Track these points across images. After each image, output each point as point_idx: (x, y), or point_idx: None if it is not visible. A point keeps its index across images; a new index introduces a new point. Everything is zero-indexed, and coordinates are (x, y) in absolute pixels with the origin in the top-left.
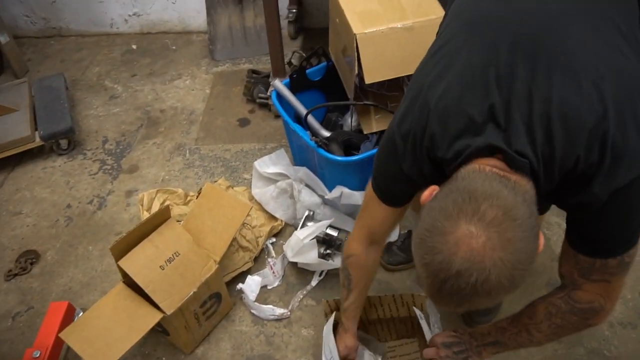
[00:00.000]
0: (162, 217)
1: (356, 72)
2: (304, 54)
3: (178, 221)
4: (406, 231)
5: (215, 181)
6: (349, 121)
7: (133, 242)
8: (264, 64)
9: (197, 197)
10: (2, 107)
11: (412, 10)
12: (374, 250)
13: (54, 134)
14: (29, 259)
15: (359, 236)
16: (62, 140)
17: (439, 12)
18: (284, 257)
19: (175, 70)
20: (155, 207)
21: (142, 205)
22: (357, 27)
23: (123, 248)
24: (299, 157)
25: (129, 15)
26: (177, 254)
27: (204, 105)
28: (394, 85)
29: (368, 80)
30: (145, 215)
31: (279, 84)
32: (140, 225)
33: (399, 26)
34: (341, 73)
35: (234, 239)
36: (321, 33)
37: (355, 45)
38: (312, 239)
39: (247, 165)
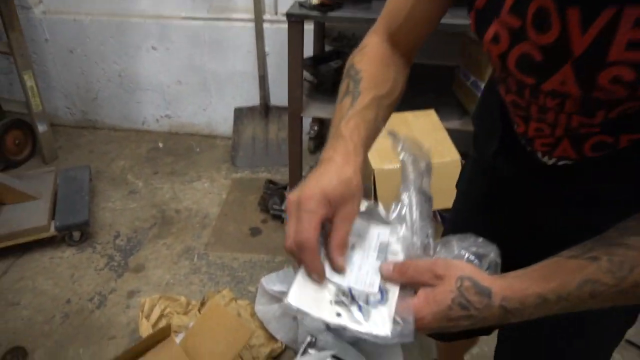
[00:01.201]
0: (161, 336)
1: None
2: None
3: (175, 332)
4: None
5: (220, 291)
6: None
7: None
8: (282, 175)
9: (200, 307)
10: (25, 194)
11: (428, 151)
12: (398, 56)
13: (69, 226)
14: (15, 356)
15: (376, 28)
16: (75, 232)
17: (454, 155)
18: None
19: (196, 172)
20: (155, 315)
21: (142, 311)
22: (375, 163)
23: None
24: None
25: (161, 116)
26: None
27: (218, 210)
28: None
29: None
30: (144, 322)
31: None
32: (137, 345)
33: None
34: None
35: None
36: None
37: (372, 179)
38: None
39: (253, 277)
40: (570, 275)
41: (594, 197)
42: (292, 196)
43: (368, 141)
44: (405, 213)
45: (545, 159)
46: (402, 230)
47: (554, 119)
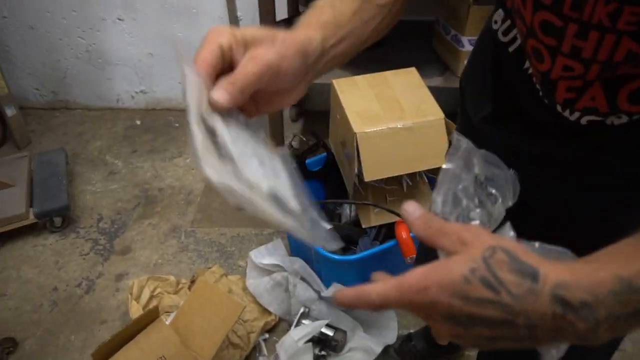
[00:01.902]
0: (150, 317)
1: (355, 171)
2: (304, 138)
3: (167, 312)
4: (406, 333)
5: (209, 268)
6: (347, 212)
7: (118, 345)
8: None
9: (190, 286)
10: None
11: (411, 111)
12: None
13: (48, 212)
14: (5, 347)
15: None
16: (56, 218)
17: (437, 114)
18: (277, 358)
19: (177, 148)
20: (145, 296)
21: (131, 294)
22: (357, 126)
23: (107, 351)
24: (296, 248)
25: (136, 92)
26: (163, 359)
27: (202, 185)
28: (393, 179)
29: (367, 178)
30: (134, 304)
31: None
32: (126, 328)
33: (398, 126)
34: (340, 165)
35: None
36: (321, 116)
37: (355, 143)
38: (308, 340)
39: (242, 252)
40: None
41: (607, 175)
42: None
43: (331, 26)
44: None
45: (566, 113)
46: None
47: (595, 44)
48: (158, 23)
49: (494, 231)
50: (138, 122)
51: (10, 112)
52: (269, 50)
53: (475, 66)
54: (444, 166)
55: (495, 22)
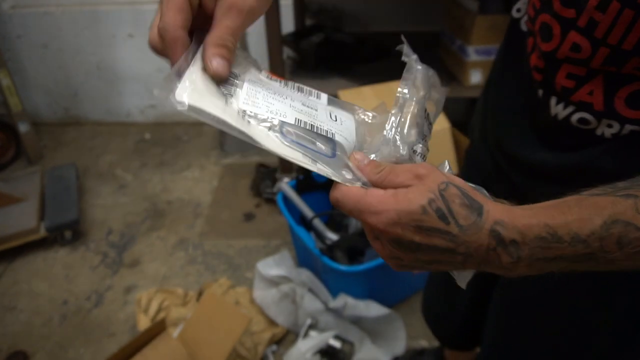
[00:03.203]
0: (157, 330)
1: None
2: None
3: (175, 325)
4: (415, 344)
5: (217, 280)
6: (354, 222)
7: (125, 357)
8: (273, 157)
9: (197, 298)
10: (11, 197)
11: None
12: None
13: (59, 226)
14: None
15: None
16: (67, 232)
17: (443, 123)
18: None
19: (185, 161)
20: (153, 308)
21: (139, 307)
22: None
23: None
24: (303, 258)
25: (145, 107)
26: None
27: (210, 197)
28: None
29: None
30: (142, 317)
31: (285, 187)
32: (134, 340)
33: None
34: None
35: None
36: None
37: None
38: (315, 352)
39: (250, 263)
40: (593, 210)
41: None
42: None
43: None
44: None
45: (560, 107)
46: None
47: (612, 20)
48: None
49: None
50: (147, 136)
51: (23, 128)
52: None
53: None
54: (399, 89)
55: (519, 10)
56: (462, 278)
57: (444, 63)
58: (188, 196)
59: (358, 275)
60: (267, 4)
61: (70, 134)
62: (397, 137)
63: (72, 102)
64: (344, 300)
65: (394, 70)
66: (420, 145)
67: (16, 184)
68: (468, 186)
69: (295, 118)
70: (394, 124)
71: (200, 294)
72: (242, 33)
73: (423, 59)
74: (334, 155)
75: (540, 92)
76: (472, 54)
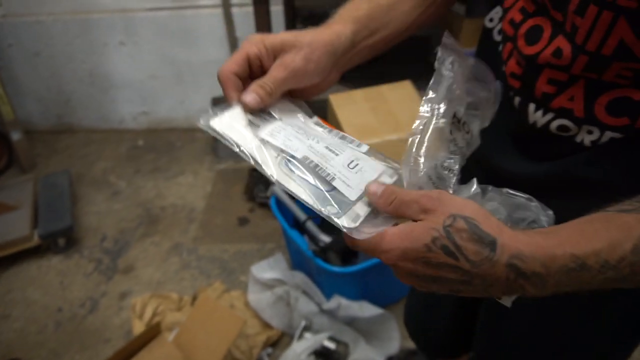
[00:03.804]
0: (152, 334)
1: None
2: None
3: (170, 329)
4: (409, 345)
5: (211, 284)
6: None
7: None
8: None
9: (192, 303)
10: (4, 205)
11: (406, 123)
12: None
13: (52, 233)
14: None
15: None
16: (60, 239)
17: None
18: None
19: (179, 167)
20: (148, 314)
21: (134, 312)
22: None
23: None
24: (297, 261)
25: (138, 114)
26: None
27: (204, 203)
28: None
29: None
30: (137, 323)
31: (278, 190)
32: (128, 344)
33: (394, 138)
34: None
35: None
36: None
37: None
38: (310, 353)
39: (244, 267)
40: (622, 233)
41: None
42: None
43: (364, 19)
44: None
45: (539, 114)
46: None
47: (591, 23)
48: (159, 46)
49: (461, 184)
50: (141, 143)
51: (16, 136)
52: (296, 56)
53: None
54: (421, 109)
55: (491, 20)
56: (506, 301)
57: (433, 66)
58: (182, 202)
59: (351, 276)
60: (319, 70)
61: (63, 141)
62: (418, 159)
63: (65, 109)
64: (338, 302)
65: (384, 74)
66: (450, 161)
67: (9, 192)
68: (482, 215)
69: (304, 156)
70: (413, 148)
71: (194, 299)
72: (285, 88)
73: (413, 63)
74: (330, 190)
75: (517, 99)
76: None
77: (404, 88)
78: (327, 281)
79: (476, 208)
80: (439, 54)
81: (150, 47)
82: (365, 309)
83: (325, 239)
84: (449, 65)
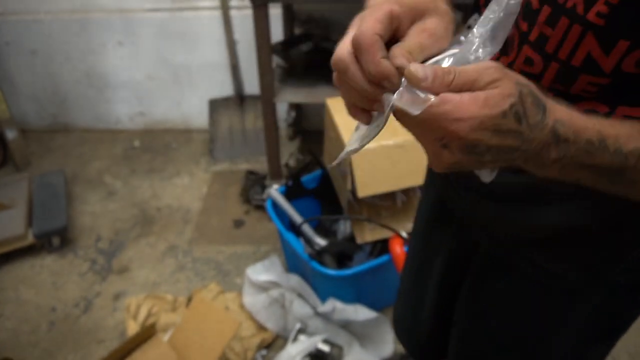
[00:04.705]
0: (146, 334)
1: (349, 187)
2: (300, 157)
3: (165, 331)
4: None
5: (206, 286)
6: (343, 228)
7: None
8: (262, 164)
9: (187, 304)
10: None
11: (403, 129)
12: None
13: (47, 232)
14: None
15: None
16: (55, 238)
17: None
18: None
19: (175, 168)
20: (142, 314)
21: (128, 312)
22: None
23: None
24: (292, 264)
25: (135, 114)
26: None
27: (200, 204)
28: (387, 196)
29: (361, 194)
30: (131, 323)
31: (274, 193)
32: (123, 345)
33: (390, 144)
34: (335, 182)
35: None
36: (317, 135)
37: (349, 160)
38: (304, 356)
39: (239, 269)
40: None
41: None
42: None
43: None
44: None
45: None
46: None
47: (562, 35)
48: (157, 47)
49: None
50: (137, 144)
51: (11, 135)
52: (439, 23)
53: None
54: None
55: (469, 27)
56: (486, 175)
57: None
58: (177, 203)
59: (346, 280)
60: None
61: (58, 140)
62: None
63: (61, 109)
64: (333, 305)
65: None
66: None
67: (4, 191)
68: (531, 83)
69: None
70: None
71: (189, 300)
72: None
73: None
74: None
75: None
76: None
77: None
78: (322, 284)
79: (527, 79)
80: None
81: (148, 48)
82: (360, 312)
83: (320, 242)
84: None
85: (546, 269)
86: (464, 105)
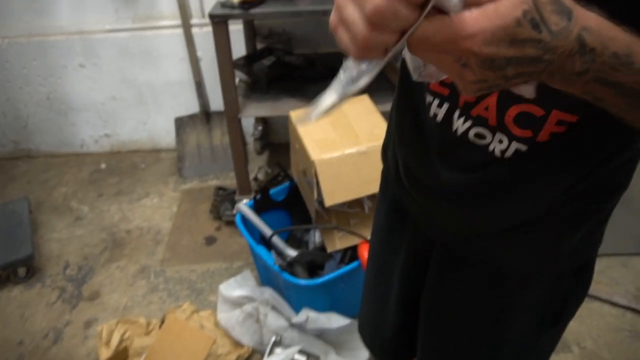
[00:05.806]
0: (119, 358)
1: (316, 196)
2: (269, 170)
3: (139, 355)
4: None
5: (180, 306)
6: (313, 238)
7: None
8: (232, 179)
9: (160, 326)
10: None
11: (365, 136)
12: None
13: (12, 263)
14: None
15: None
16: (20, 269)
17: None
18: None
19: (143, 189)
20: (115, 340)
21: (100, 339)
22: (315, 154)
23: None
24: (265, 277)
25: (100, 136)
26: None
27: (170, 224)
28: (355, 202)
29: (328, 202)
30: (104, 351)
31: (243, 207)
32: None
33: (354, 152)
34: (303, 192)
35: None
36: (286, 148)
37: (314, 170)
38: None
39: (213, 287)
40: None
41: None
42: None
43: None
44: None
45: (460, 121)
46: None
47: None
48: (120, 67)
49: None
50: (103, 166)
51: None
52: None
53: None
54: None
55: None
56: (528, 91)
57: (389, 79)
58: (147, 224)
59: (318, 288)
60: None
61: (20, 167)
62: None
63: (22, 134)
64: (306, 315)
65: None
66: None
67: None
68: None
69: None
70: None
71: (163, 322)
72: None
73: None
74: None
75: (445, 106)
76: None
77: (362, 101)
78: (296, 295)
79: None
80: None
81: (111, 69)
82: (334, 320)
83: (291, 253)
84: None
85: (498, 260)
86: (473, 20)
